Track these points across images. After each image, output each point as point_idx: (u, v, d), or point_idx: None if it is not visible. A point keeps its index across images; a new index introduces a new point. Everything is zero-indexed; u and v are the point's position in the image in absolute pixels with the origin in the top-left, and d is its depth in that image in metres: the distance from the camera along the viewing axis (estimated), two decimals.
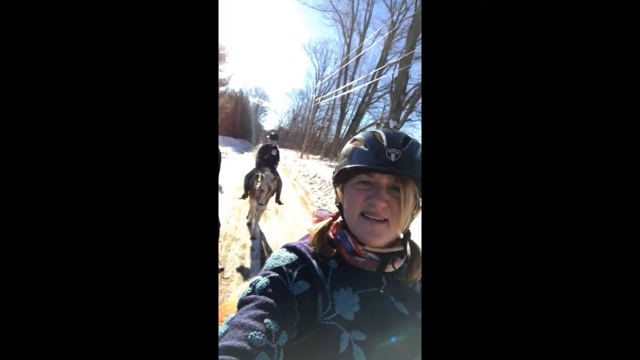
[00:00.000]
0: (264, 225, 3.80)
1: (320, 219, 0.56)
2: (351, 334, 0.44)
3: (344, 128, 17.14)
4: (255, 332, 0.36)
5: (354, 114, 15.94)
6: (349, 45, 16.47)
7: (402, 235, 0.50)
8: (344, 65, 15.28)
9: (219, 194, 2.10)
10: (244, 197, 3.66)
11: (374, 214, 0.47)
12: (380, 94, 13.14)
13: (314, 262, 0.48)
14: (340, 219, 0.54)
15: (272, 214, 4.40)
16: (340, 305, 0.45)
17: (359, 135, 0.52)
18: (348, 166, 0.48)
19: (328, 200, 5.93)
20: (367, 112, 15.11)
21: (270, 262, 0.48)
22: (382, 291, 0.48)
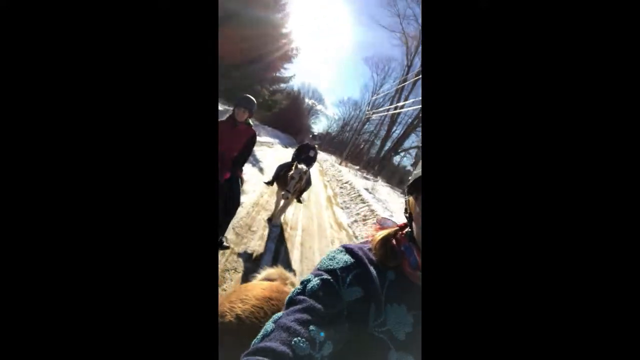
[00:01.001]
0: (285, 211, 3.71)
1: (382, 228, 0.54)
2: (399, 354, 0.42)
3: (388, 145, 17.32)
4: (299, 338, 0.36)
5: (400, 133, 16.09)
6: (409, 67, 16.71)
7: None
8: (400, 85, 15.57)
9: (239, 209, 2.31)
10: (269, 183, 3.59)
11: None
12: None
13: (371, 268, 0.47)
14: (407, 229, 0.51)
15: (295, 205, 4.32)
16: (392, 321, 0.43)
17: None
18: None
19: (352, 206, 6.36)
20: (413, 134, 15.16)
21: (324, 261, 0.47)
22: None
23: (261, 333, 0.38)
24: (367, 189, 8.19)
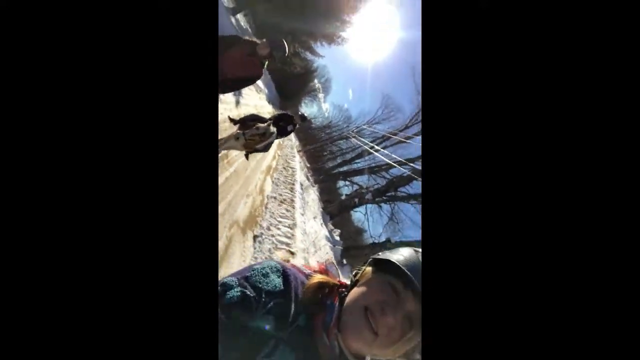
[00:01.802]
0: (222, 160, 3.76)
1: (326, 272, 0.53)
2: None
3: (344, 169, 18.45)
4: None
5: (359, 167, 17.38)
6: (405, 128, 18.24)
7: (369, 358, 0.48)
8: (386, 136, 16.91)
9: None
10: (234, 121, 3.37)
11: (377, 319, 0.44)
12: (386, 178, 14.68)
13: (292, 305, 0.46)
14: (344, 292, 0.50)
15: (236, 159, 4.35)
16: None
17: (420, 250, 0.49)
18: (402, 266, 0.45)
19: (280, 186, 6.94)
20: (367, 175, 16.50)
21: (255, 274, 0.46)
22: None
23: None
24: (301, 184, 8.90)
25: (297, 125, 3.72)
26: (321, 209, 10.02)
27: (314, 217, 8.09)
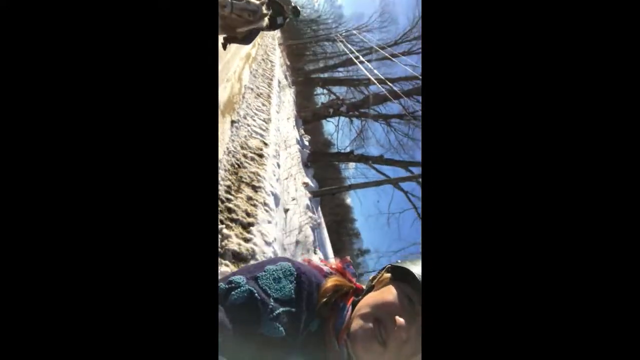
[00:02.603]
0: None
1: (343, 273, 0.52)
2: None
3: (325, 75, 17.70)
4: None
5: (339, 77, 16.75)
6: (395, 43, 17.19)
7: None
8: (376, 50, 15.90)
9: None
10: None
11: (388, 330, 0.42)
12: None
13: (304, 314, 0.44)
14: (359, 297, 0.48)
15: None
16: None
17: None
18: (415, 275, 0.43)
19: (258, 78, 6.71)
20: (346, 87, 16.16)
21: (267, 277, 0.43)
22: None
23: None
24: (279, 81, 8.62)
25: (288, 19, 3.36)
26: (295, 113, 10.05)
27: (288, 119, 8.21)
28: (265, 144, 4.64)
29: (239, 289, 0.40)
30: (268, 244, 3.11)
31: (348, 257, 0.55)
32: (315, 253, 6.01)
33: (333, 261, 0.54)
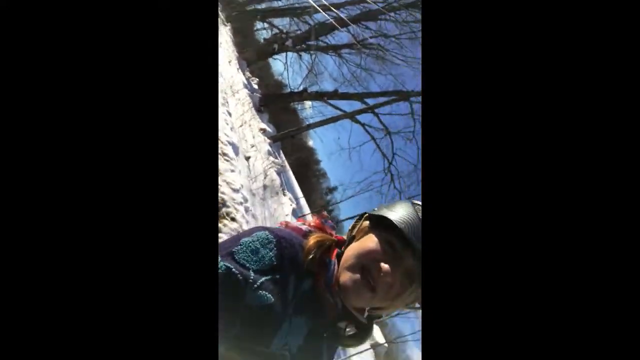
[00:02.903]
0: None
1: (322, 228, 0.53)
2: None
3: (261, 6, 15.86)
4: None
5: (278, 6, 15.10)
6: None
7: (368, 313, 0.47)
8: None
9: None
10: None
11: (375, 277, 0.44)
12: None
13: (292, 277, 0.45)
14: (343, 249, 0.50)
15: None
16: (292, 334, 0.43)
17: (420, 204, 0.48)
18: (396, 222, 0.45)
19: None
20: (291, 20, 14.77)
21: (243, 250, 0.43)
22: (325, 335, 0.48)
23: None
24: None
25: None
26: (236, 54, 9.15)
27: (229, 61, 7.49)
28: None
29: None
30: (235, 190, 3.13)
31: (325, 212, 0.57)
32: (284, 194, 6.19)
33: (310, 218, 0.54)
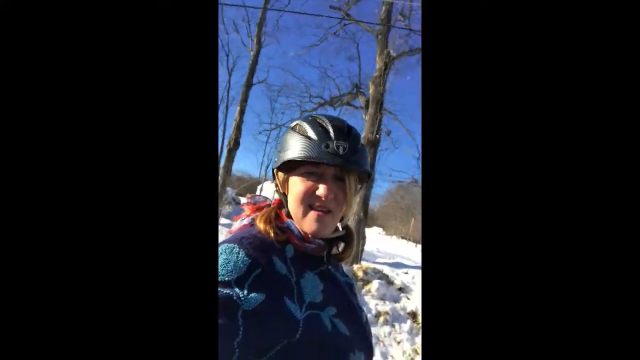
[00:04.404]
0: None
1: (256, 206, 0.56)
2: (325, 312, 0.47)
3: None
4: None
5: None
6: None
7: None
8: None
9: None
10: None
11: (321, 205, 0.49)
12: None
13: (274, 259, 0.47)
14: (285, 208, 0.53)
15: None
16: (308, 291, 0.47)
17: (303, 123, 0.51)
18: (297, 158, 0.48)
19: None
20: None
21: (219, 268, 0.43)
22: (330, 267, 0.53)
23: None
24: None
25: None
26: None
27: None
28: None
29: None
30: None
31: (248, 194, 0.59)
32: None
33: (245, 209, 0.57)
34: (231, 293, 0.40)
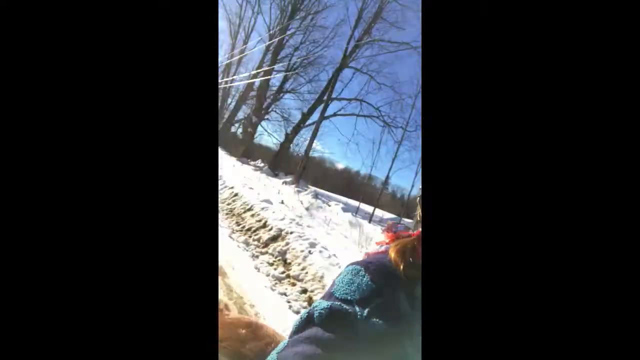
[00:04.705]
0: None
1: (396, 234, 0.51)
2: None
3: (225, 117, 19.02)
4: None
5: (233, 105, 18.06)
6: (233, 45, 18.39)
7: None
8: (229, 60, 17.19)
9: None
10: None
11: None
12: (254, 93, 15.89)
13: (398, 293, 0.42)
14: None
15: None
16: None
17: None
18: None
19: None
20: (244, 105, 17.45)
21: (340, 286, 0.41)
22: None
23: None
24: None
25: None
26: (234, 158, 11.32)
27: (233, 165, 9.52)
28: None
29: (320, 307, 0.39)
30: (282, 219, 4.44)
31: (390, 221, 0.57)
32: (328, 205, 7.52)
33: (383, 235, 0.53)
34: (352, 310, 0.39)
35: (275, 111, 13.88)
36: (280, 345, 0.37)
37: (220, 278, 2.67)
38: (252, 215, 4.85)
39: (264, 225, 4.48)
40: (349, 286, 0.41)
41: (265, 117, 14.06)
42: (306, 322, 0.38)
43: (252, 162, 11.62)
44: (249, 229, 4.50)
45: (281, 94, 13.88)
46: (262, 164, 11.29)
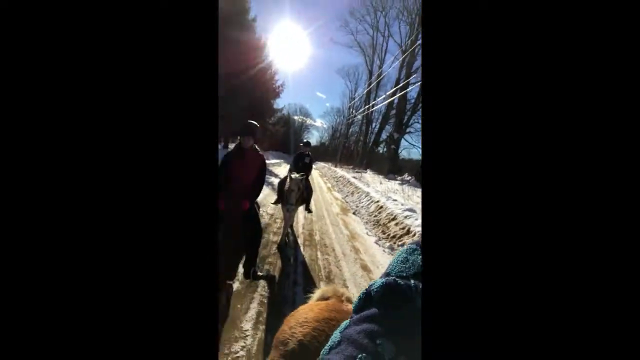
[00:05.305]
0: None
1: None
2: None
3: (370, 138, 20.41)
4: (365, 355, 0.33)
5: (377, 127, 19.22)
6: (370, 72, 19.96)
7: None
8: (368, 88, 18.81)
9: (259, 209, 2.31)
10: (276, 202, 3.71)
11: None
12: (394, 111, 16.38)
13: None
14: None
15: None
16: None
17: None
18: None
19: (344, 189, 9.24)
20: (387, 126, 18.30)
21: (395, 265, 0.42)
22: None
23: (329, 344, 0.36)
24: (355, 177, 11.21)
25: (309, 152, 3.97)
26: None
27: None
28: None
29: (377, 284, 0.39)
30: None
31: None
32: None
33: None
34: (407, 284, 0.38)
35: (417, 122, 13.79)
36: (343, 325, 0.38)
37: (365, 273, 3.20)
38: (397, 224, 5.16)
39: (407, 232, 4.70)
40: (403, 264, 0.42)
41: (407, 131, 14.17)
42: (365, 301, 0.39)
43: (399, 177, 11.90)
44: (393, 236, 4.83)
45: (419, 105, 13.69)
46: (408, 177, 11.37)
